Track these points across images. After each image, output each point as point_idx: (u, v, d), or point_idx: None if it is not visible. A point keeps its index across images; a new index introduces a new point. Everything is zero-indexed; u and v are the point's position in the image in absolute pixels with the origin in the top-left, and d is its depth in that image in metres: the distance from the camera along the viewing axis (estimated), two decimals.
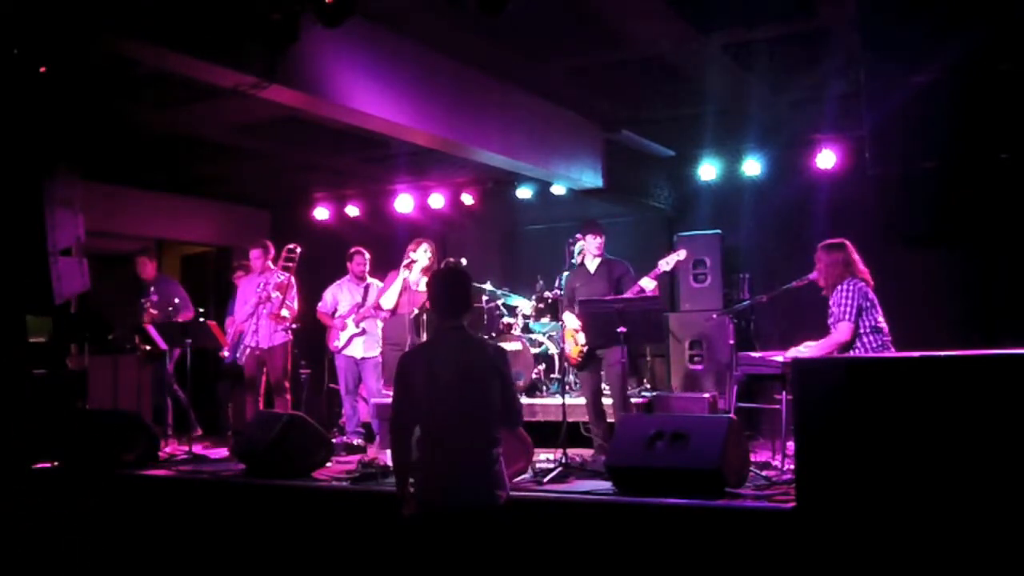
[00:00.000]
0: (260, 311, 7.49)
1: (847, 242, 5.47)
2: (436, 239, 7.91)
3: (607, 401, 6.61)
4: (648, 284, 6.36)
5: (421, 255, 7.07)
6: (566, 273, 8.37)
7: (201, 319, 7.73)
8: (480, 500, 3.63)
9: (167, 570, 5.62)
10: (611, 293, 6.40)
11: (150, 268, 8.43)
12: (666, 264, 6.48)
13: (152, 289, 8.26)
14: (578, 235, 6.74)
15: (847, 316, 5.24)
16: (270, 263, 7.72)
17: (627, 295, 6.31)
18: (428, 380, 3.72)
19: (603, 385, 6.62)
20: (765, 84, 7.53)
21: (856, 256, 5.42)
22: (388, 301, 7.17)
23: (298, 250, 7.56)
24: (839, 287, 5.34)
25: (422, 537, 3.70)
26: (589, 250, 6.69)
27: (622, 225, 6.95)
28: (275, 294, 7.46)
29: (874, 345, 5.24)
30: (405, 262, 7.06)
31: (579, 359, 6.49)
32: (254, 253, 7.75)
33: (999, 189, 3.93)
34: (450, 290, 3.90)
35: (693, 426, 4.91)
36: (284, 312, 7.43)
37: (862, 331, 5.26)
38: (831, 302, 5.40)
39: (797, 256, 6.40)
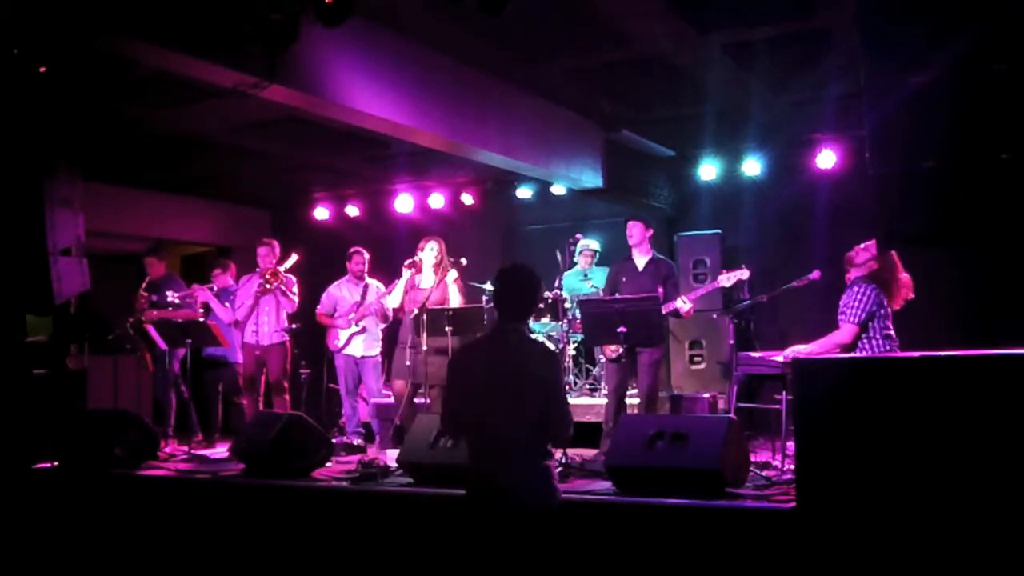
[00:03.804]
0: (260, 308, 7.52)
1: (896, 256, 5.23)
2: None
3: (630, 402, 6.60)
4: (684, 305, 6.31)
5: (428, 253, 7.13)
6: (566, 273, 8.41)
7: (201, 319, 7.73)
8: (522, 503, 3.58)
9: (167, 570, 5.61)
10: (656, 291, 6.37)
11: (159, 267, 8.42)
12: (726, 280, 6.43)
13: (164, 288, 8.20)
14: (629, 224, 6.72)
15: (853, 319, 5.14)
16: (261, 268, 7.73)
17: (664, 308, 6.28)
18: (479, 377, 3.72)
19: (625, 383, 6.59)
20: (765, 84, 7.53)
21: (900, 273, 5.21)
22: (393, 301, 7.30)
23: (289, 261, 7.58)
24: (855, 287, 5.21)
25: (464, 533, 3.68)
26: (637, 244, 6.69)
27: (622, 225, 6.94)
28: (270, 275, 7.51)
29: (883, 350, 5.16)
30: (407, 262, 7.09)
31: (619, 351, 6.45)
32: (261, 251, 7.74)
33: (999, 189, 3.92)
34: (511, 291, 3.82)
35: (693, 426, 4.91)
36: (283, 268, 7.46)
37: (873, 336, 5.17)
38: (842, 299, 5.26)
39: (797, 256, 6.42)
